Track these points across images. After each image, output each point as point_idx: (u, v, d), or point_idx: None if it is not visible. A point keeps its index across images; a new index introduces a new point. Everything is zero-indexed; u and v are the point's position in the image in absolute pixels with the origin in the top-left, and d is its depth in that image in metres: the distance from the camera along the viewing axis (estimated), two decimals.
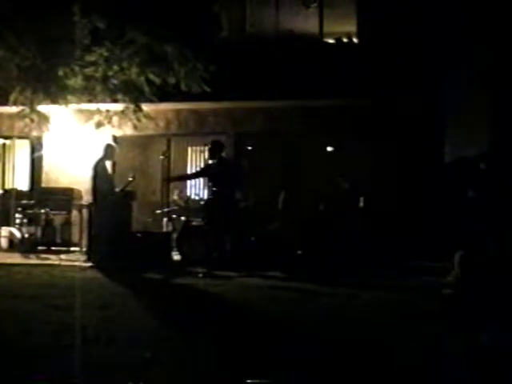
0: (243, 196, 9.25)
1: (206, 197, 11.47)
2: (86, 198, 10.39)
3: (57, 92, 10.54)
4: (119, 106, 10.94)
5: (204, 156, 12.16)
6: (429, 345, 4.20)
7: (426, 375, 3.57)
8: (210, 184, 8.98)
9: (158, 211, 10.93)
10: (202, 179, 12.01)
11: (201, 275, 7.89)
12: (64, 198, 10.78)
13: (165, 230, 10.54)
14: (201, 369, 3.61)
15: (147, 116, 11.13)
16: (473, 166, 7.33)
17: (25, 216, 11.09)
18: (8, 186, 12.67)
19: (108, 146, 9.55)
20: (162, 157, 10.68)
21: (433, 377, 3.55)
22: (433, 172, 10.45)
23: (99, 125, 11.12)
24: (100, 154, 9.44)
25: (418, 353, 4.02)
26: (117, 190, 9.33)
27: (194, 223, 9.80)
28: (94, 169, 9.21)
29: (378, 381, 3.50)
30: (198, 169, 11.80)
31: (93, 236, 9.19)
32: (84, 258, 9.36)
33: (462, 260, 6.28)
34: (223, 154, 9.06)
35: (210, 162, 9.19)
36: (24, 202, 11.11)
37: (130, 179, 9.48)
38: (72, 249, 10.78)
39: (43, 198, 10.83)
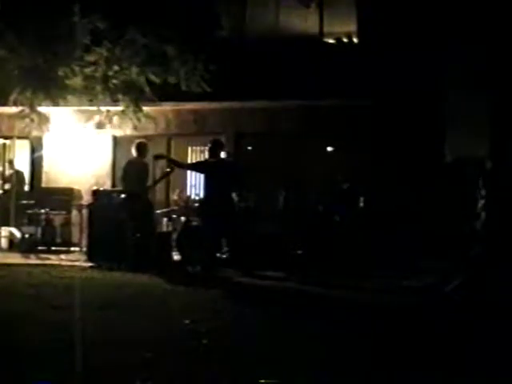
0: (241, 196, 9.19)
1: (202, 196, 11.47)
2: (86, 198, 10.37)
3: (57, 92, 10.54)
4: (119, 106, 10.94)
5: (204, 156, 12.14)
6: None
7: None
8: (206, 182, 8.86)
9: (158, 211, 10.92)
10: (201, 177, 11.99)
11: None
12: (64, 198, 10.78)
13: (165, 229, 10.54)
14: (202, 369, 3.61)
15: (147, 116, 11.13)
16: (481, 165, 7.29)
17: (25, 216, 11.10)
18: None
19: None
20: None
21: None
22: (433, 172, 10.45)
23: (100, 125, 11.12)
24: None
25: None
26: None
27: (194, 223, 9.79)
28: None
29: None
30: (194, 161, 11.72)
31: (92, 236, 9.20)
32: (84, 257, 9.36)
33: (473, 261, 6.20)
34: (223, 154, 9.02)
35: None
36: (24, 202, 11.11)
37: (168, 170, 9.31)
38: (72, 249, 10.79)
39: (43, 198, 10.82)
